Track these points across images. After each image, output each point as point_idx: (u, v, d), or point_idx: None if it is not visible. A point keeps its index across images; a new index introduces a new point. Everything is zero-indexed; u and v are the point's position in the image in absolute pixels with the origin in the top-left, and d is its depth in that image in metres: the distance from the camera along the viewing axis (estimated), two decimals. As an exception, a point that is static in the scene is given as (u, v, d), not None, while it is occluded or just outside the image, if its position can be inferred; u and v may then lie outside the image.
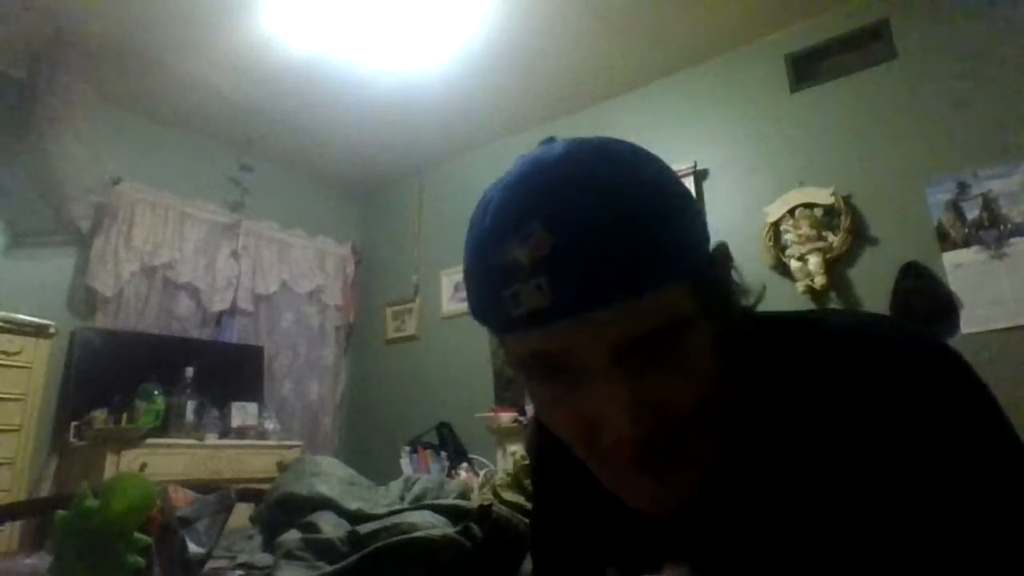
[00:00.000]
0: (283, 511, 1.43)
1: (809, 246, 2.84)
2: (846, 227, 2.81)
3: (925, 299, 2.51)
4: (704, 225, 0.48)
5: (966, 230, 2.58)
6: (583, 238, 0.42)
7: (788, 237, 2.92)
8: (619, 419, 0.43)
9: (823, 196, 2.88)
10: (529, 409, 3.22)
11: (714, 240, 0.50)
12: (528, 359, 0.47)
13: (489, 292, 0.46)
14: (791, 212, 2.94)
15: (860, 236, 2.82)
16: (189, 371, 3.29)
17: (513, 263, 0.44)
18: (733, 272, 0.52)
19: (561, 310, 0.43)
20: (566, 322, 0.43)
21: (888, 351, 0.48)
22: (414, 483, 1.58)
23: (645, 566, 0.56)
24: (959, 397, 0.45)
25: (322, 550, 1.24)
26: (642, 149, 0.49)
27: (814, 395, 0.48)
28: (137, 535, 0.92)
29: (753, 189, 3.12)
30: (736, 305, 0.52)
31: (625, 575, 0.59)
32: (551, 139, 0.51)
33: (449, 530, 1.24)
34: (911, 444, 0.44)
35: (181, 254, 3.76)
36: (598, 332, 0.43)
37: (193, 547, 1.08)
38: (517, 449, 2.98)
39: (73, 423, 3.04)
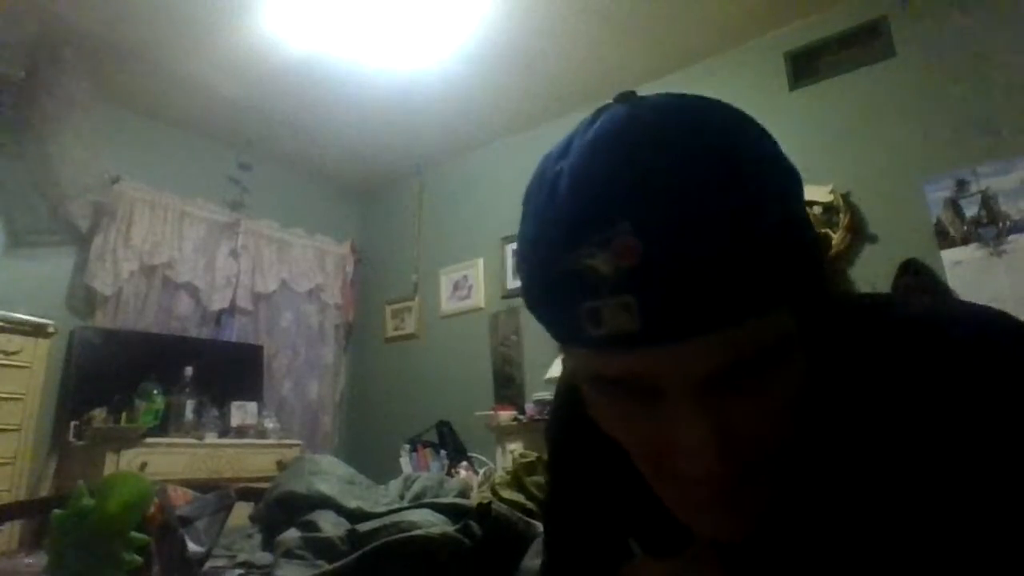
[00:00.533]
0: (283, 510, 1.43)
1: (808, 244, 2.83)
2: (845, 225, 2.81)
3: (924, 297, 2.51)
4: (807, 215, 0.41)
5: (965, 228, 2.58)
6: (682, 247, 0.34)
7: (787, 235, 2.91)
8: (704, 455, 0.37)
9: (822, 194, 2.88)
10: (529, 408, 3.22)
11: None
12: (600, 380, 0.41)
13: (559, 302, 0.39)
14: (790, 210, 2.94)
15: (859, 233, 2.82)
16: (188, 370, 3.29)
17: (592, 271, 0.36)
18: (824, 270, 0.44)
19: (653, 337, 0.36)
20: (656, 349, 0.36)
21: (958, 340, 0.42)
22: (414, 481, 1.58)
23: (667, 544, 0.52)
24: None
25: (322, 549, 1.24)
26: (746, 115, 0.41)
27: (880, 395, 0.43)
28: (136, 534, 0.92)
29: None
30: (828, 304, 0.46)
31: (647, 551, 0.56)
32: (629, 93, 0.42)
33: (449, 528, 1.24)
34: (982, 454, 0.39)
35: (180, 253, 3.76)
36: (691, 361, 0.37)
37: (193, 546, 1.08)
38: (516, 447, 2.98)
39: (72, 422, 3.04)
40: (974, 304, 0.46)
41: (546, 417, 0.76)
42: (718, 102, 0.41)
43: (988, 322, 0.43)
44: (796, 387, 0.40)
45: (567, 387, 0.64)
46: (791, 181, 0.40)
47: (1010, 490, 0.38)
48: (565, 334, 0.40)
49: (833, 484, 0.45)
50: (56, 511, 0.88)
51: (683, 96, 0.41)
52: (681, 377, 0.37)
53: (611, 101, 0.42)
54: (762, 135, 0.41)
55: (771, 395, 0.39)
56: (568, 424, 0.64)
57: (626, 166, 0.36)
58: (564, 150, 0.40)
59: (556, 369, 2.89)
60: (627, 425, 0.42)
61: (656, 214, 0.35)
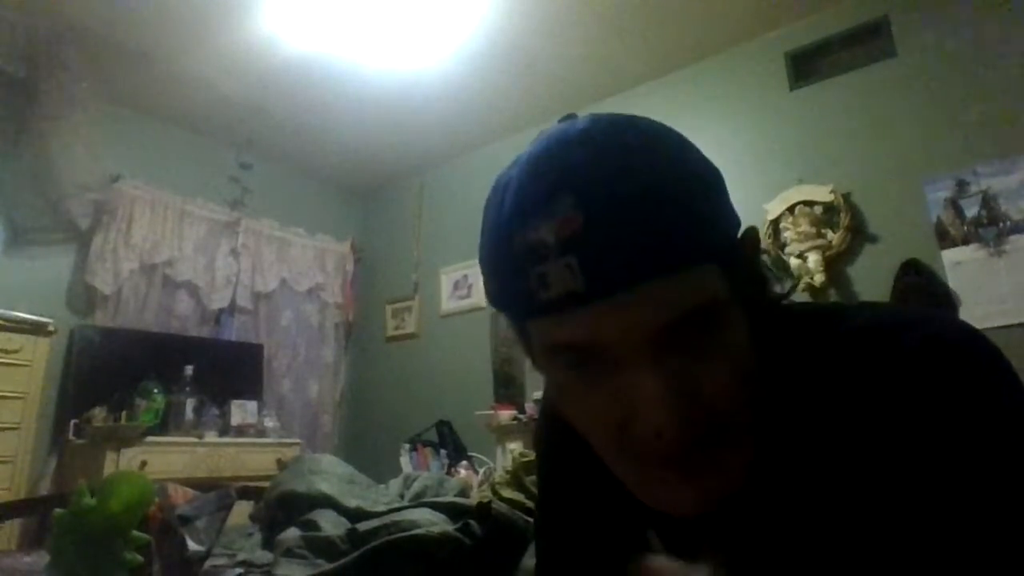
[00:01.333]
0: (283, 509, 1.43)
1: (808, 244, 2.84)
2: (845, 225, 2.81)
3: (924, 297, 2.51)
4: (731, 206, 0.46)
5: (965, 228, 2.58)
6: (616, 213, 0.40)
7: (787, 235, 2.92)
8: (656, 411, 0.40)
9: (822, 194, 2.88)
10: (529, 407, 3.22)
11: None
12: (556, 349, 0.44)
13: (513, 275, 0.43)
14: (790, 210, 2.94)
15: (859, 234, 2.82)
16: (188, 369, 3.29)
17: (539, 242, 0.41)
18: (763, 258, 0.50)
19: (596, 291, 0.40)
20: (600, 305, 0.40)
21: (901, 344, 0.45)
22: (413, 481, 1.58)
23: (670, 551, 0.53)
24: (974, 385, 0.42)
25: (321, 548, 1.24)
26: (665, 125, 0.47)
27: (833, 392, 0.46)
28: (136, 533, 0.92)
29: (752, 186, 3.12)
30: (766, 294, 0.50)
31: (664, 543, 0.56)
32: (571, 115, 0.49)
33: (448, 527, 1.24)
34: (928, 438, 0.41)
35: (180, 252, 3.76)
36: (634, 316, 0.40)
37: (193, 545, 1.08)
38: (516, 447, 2.98)
39: (73, 421, 3.04)
40: (924, 309, 0.49)
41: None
42: (643, 116, 0.47)
43: (937, 327, 0.46)
44: (740, 352, 0.44)
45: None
46: (709, 170, 0.46)
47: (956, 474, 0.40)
48: (521, 308, 0.44)
49: (789, 472, 0.47)
50: (58, 510, 0.89)
51: (613, 113, 0.48)
52: (628, 333, 0.41)
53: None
54: (682, 138, 0.47)
55: (717, 357, 0.42)
56: (553, 442, 0.65)
57: (563, 155, 0.43)
58: (513, 164, 0.47)
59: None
60: (587, 402, 0.45)
61: (591, 188, 0.40)
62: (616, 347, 0.41)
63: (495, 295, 0.47)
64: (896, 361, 0.44)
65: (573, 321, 0.41)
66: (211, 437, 3.24)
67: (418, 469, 3.04)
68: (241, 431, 3.45)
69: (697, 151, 0.46)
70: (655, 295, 0.40)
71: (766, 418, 0.47)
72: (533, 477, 1.51)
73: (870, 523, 0.43)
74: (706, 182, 0.44)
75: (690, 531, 0.52)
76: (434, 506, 1.36)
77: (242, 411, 3.53)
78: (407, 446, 3.38)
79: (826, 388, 0.46)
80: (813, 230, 2.85)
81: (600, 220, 0.39)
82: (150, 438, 2.97)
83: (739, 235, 0.47)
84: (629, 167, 0.41)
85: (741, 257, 0.46)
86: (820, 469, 0.46)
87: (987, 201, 2.55)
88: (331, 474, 1.53)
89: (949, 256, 2.58)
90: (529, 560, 1.18)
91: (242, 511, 1.61)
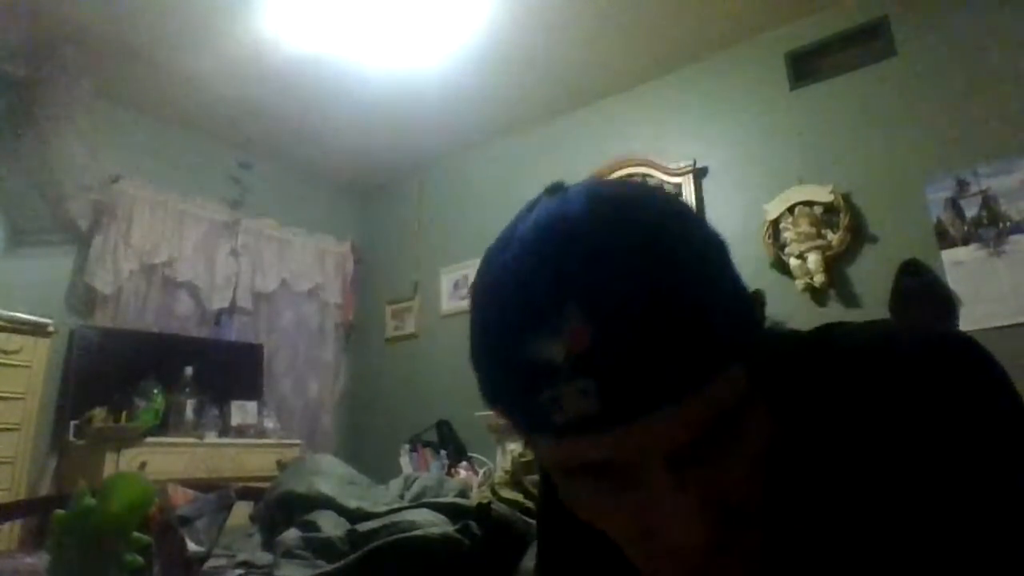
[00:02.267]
0: (283, 510, 1.43)
1: (808, 244, 2.84)
2: (845, 225, 2.81)
3: (924, 297, 2.51)
4: (739, 278, 0.42)
5: (965, 228, 2.58)
6: (630, 327, 0.35)
7: (787, 235, 2.92)
8: (682, 529, 0.38)
9: (822, 194, 2.88)
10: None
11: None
12: (568, 469, 0.41)
13: (518, 392, 0.39)
14: (790, 210, 2.94)
15: (859, 234, 2.82)
16: (188, 370, 3.29)
17: (548, 362, 0.36)
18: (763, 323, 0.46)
19: (615, 417, 0.36)
20: (619, 429, 0.36)
21: (901, 355, 0.44)
22: (413, 481, 1.58)
23: None
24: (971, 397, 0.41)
25: (322, 548, 1.24)
26: (670, 197, 0.43)
27: (842, 420, 0.44)
28: (137, 534, 0.92)
29: (752, 187, 3.12)
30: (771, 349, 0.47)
31: None
32: (559, 186, 0.43)
33: (448, 528, 1.25)
34: (944, 446, 0.40)
35: (180, 252, 3.76)
36: (656, 438, 0.37)
37: (193, 546, 1.08)
38: (516, 447, 2.98)
39: (72, 422, 3.04)
40: (913, 323, 0.49)
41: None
42: (641, 184, 0.45)
43: (931, 336, 0.45)
44: (763, 441, 0.41)
45: None
46: (721, 250, 0.42)
47: (980, 487, 0.39)
48: (529, 425, 0.40)
49: (814, 523, 0.45)
50: (58, 511, 0.89)
51: (608, 182, 0.45)
52: (651, 453, 0.37)
53: (542, 194, 0.44)
54: (685, 210, 0.42)
55: (743, 455, 0.39)
56: (553, 506, 0.62)
57: (566, 253, 0.37)
58: (505, 244, 0.41)
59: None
60: (604, 514, 0.42)
61: (601, 295, 0.36)
62: (634, 464, 0.38)
63: (494, 400, 0.43)
64: (900, 373, 0.43)
65: (588, 444, 0.38)
66: (211, 438, 3.24)
67: (418, 470, 3.04)
68: (241, 432, 3.45)
69: (702, 228, 0.42)
70: (680, 414, 0.36)
71: (782, 480, 0.44)
72: (532, 477, 1.51)
73: (910, 542, 0.41)
74: (723, 263, 0.41)
75: None
76: (434, 507, 1.36)
77: (242, 411, 3.53)
78: (407, 447, 3.38)
79: (835, 418, 0.44)
80: (813, 230, 2.85)
81: (614, 336, 0.35)
82: (150, 439, 2.97)
83: (750, 303, 0.43)
84: (640, 267, 0.36)
85: (760, 341, 0.42)
86: (843, 499, 0.44)
87: (987, 201, 2.55)
88: (331, 475, 1.53)
89: (949, 256, 2.58)
90: (529, 561, 1.18)
91: (242, 512, 1.61)
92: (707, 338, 0.36)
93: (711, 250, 0.41)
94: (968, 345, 0.44)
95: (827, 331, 0.50)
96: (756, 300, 0.43)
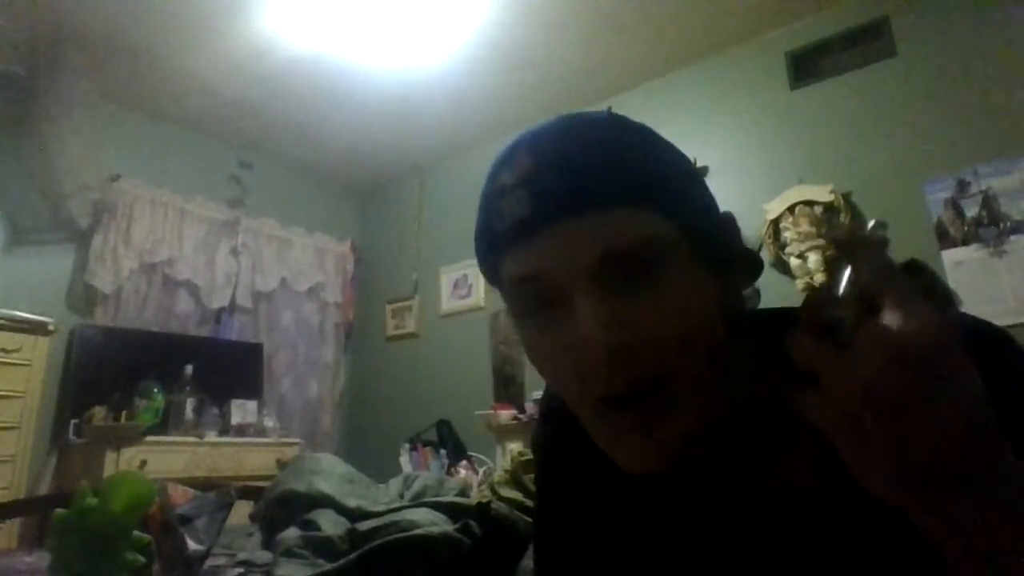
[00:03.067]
0: (283, 509, 1.43)
1: (809, 243, 2.84)
2: (844, 226, 2.81)
3: (924, 297, 2.51)
4: (700, 185, 0.50)
5: (965, 228, 2.58)
6: (563, 156, 0.46)
7: (787, 235, 2.92)
8: (593, 332, 0.43)
9: (823, 194, 2.88)
10: (529, 407, 3.22)
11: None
12: (517, 288, 0.48)
13: (483, 221, 0.50)
14: (791, 209, 2.94)
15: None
16: (188, 369, 3.29)
17: (501, 187, 0.48)
18: (743, 243, 0.52)
19: (540, 218, 0.45)
20: (545, 232, 0.45)
21: None
22: (413, 481, 1.58)
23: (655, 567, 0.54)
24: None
25: (321, 548, 1.24)
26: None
27: None
28: (137, 533, 0.92)
29: (753, 186, 3.12)
30: (745, 276, 0.52)
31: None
32: None
33: (448, 527, 1.25)
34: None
35: (180, 251, 3.76)
36: (573, 246, 0.44)
37: (193, 545, 1.08)
38: (516, 446, 2.98)
39: (72, 420, 3.04)
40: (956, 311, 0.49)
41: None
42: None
43: (973, 328, 0.46)
44: (691, 295, 0.45)
45: (551, 398, 0.66)
46: (670, 149, 0.50)
47: None
48: (490, 247, 0.49)
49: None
50: (59, 510, 0.89)
51: None
52: (570, 263, 0.44)
53: None
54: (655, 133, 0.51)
55: (657, 300, 0.44)
56: (553, 445, 0.65)
57: (530, 130, 0.50)
58: None
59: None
60: (550, 345, 0.47)
61: (545, 143, 0.48)
62: (564, 278, 0.45)
63: (477, 251, 0.52)
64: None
65: (524, 252, 0.46)
66: (211, 437, 3.24)
67: (418, 469, 3.04)
68: (241, 431, 3.45)
69: (666, 142, 0.51)
70: (593, 227, 0.44)
71: (734, 391, 0.48)
72: (532, 476, 1.51)
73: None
74: (659, 146, 0.49)
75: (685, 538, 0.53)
76: (434, 506, 1.36)
77: (242, 411, 3.53)
78: (407, 446, 3.37)
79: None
80: (813, 230, 2.85)
81: (549, 163, 0.46)
82: (150, 438, 2.97)
83: (711, 208, 0.51)
84: (583, 132, 0.48)
85: (704, 220, 0.49)
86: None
87: (987, 201, 2.55)
88: (331, 474, 1.53)
89: (949, 256, 2.58)
90: (529, 561, 1.18)
91: (242, 511, 1.61)
92: (623, 175, 0.45)
93: (658, 143, 0.50)
94: (1004, 331, 0.48)
95: None
96: (723, 215, 0.52)
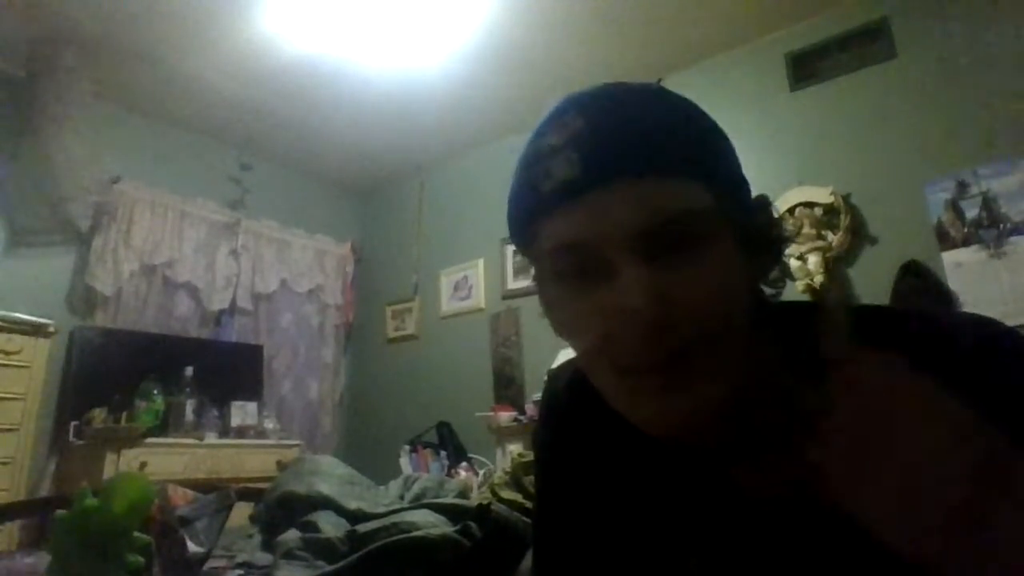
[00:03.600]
0: (282, 510, 1.43)
1: (809, 245, 2.84)
2: (845, 226, 2.81)
3: (924, 299, 2.51)
4: (737, 164, 0.52)
5: (966, 229, 2.58)
6: (615, 120, 0.46)
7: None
8: (636, 300, 0.44)
9: (822, 195, 2.88)
10: (529, 408, 3.22)
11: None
12: (557, 254, 0.48)
13: (525, 183, 0.50)
14: (791, 211, 2.94)
15: (859, 235, 2.82)
16: (188, 370, 3.29)
17: (548, 148, 0.48)
18: (777, 228, 0.54)
19: (589, 180, 0.45)
20: (594, 194, 0.45)
21: (961, 344, 0.46)
22: (413, 482, 1.58)
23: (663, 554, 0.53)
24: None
25: (321, 549, 1.24)
26: None
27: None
28: (137, 534, 0.92)
29: (752, 188, 3.11)
30: (772, 261, 0.54)
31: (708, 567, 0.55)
32: None
33: (448, 529, 1.25)
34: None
35: (180, 253, 3.76)
36: (622, 211, 0.44)
37: (192, 546, 1.08)
38: (516, 448, 2.98)
39: (72, 422, 3.04)
40: (966, 314, 0.50)
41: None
42: None
43: (987, 330, 0.47)
44: (727, 270, 0.47)
45: (553, 393, 0.66)
46: (715, 125, 0.51)
47: None
48: (531, 208, 0.49)
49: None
50: (60, 512, 0.89)
51: None
52: (617, 228, 0.45)
53: None
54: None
55: (699, 270, 0.45)
56: (557, 427, 0.65)
57: (579, 93, 0.50)
58: None
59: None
60: (581, 308, 0.48)
61: (597, 104, 0.48)
62: (607, 247, 0.45)
63: (512, 215, 0.52)
64: (960, 361, 0.44)
65: (569, 213, 0.46)
66: (211, 438, 3.24)
67: (418, 470, 3.04)
68: (241, 432, 3.45)
69: (713, 120, 0.51)
70: (642, 193, 0.45)
71: (760, 366, 0.49)
72: (532, 478, 1.51)
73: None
74: (706, 126, 0.50)
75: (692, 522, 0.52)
76: (434, 508, 1.36)
77: (242, 412, 3.53)
78: (407, 447, 3.37)
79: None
80: (813, 231, 2.85)
81: (601, 125, 0.46)
82: (150, 439, 2.96)
83: (746, 187, 0.53)
84: (634, 99, 0.49)
85: (742, 202, 0.51)
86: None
87: (987, 203, 2.55)
88: (331, 475, 1.53)
89: (949, 258, 2.58)
90: (529, 561, 1.18)
91: (242, 512, 1.61)
92: (676, 145, 0.46)
93: (705, 118, 0.50)
94: (1011, 332, 0.48)
95: (889, 311, 0.54)
96: (758, 197, 0.54)
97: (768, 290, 0.55)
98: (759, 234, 0.52)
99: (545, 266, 0.51)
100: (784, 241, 0.55)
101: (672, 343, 0.44)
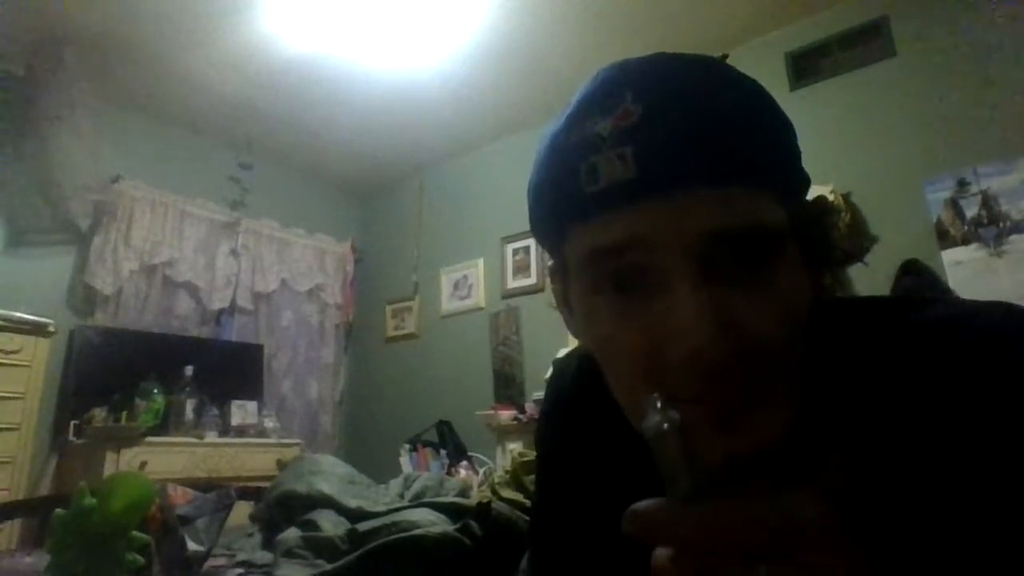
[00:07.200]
0: (283, 509, 1.43)
1: (808, 244, 2.84)
2: (845, 225, 2.80)
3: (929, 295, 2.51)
4: (800, 158, 0.44)
5: (965, 228, 2.58)
6: (678, 110, 0.38)
7: (787, 235, 2.92)
8: (696, 328, 0.36)
9: (823, 194, 2.88)
10: (529, 407, 3.22)
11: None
12: (596, 259, 0.40)
13: (562, 173, 0.40)
14: (790, 210, 2.94)
15: (859, 234, 2.82)
16: (189, 369, 3.29)
17: (594, 136, 0.39)
18: (836, 232, 0.47)
19: (649, 184, 0.37)
20: (651, 201, 0.37)
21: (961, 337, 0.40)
22: (414, 481, 1.58)
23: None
24: None
25: (321, 548, 1.24)
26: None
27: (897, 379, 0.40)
28: (136, 533, 0.92)
29: (752, 187, 3.12)
30: (836, 263, 0.48)
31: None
32: None
33: (448, 528, 1.25)
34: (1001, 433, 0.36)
35: (181, 252, 3.76)
36: (686, 218, 0.37)
37: (193, 545, 1.08)
38: (516, 447, 2.98)
39: (73, 421, 3.04)
40: (983, 302, 0.44)
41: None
42: None
43: (1006, 318, 0.41)
44: (795, 289, 0.40)
45: (559, 386, 0.65)
46: (781, 112, 0.44)
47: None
48: (568, 208, 0.41)
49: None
50: (59, 511, 0.88)
51: None
52: (678, 237, 0.37)
53: None
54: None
55: (767, 294, 0.38)
56: (560, 424, 0.64)
57: (629, 63, 0.42)
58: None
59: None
60: (621, 327, 0.40)
61: (656, 86, 0.39)
62: (663, 255, 0.37)
63: (537, 205, 0.44)
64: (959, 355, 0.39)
65: (620, 219, 0.38)
66: (211, 437, 3.24)
67: (418, 469, 3.04)
68: (241, 431, 3.45)
69: (784, 114, 0.44)
70: (705, 200, 0.37)
71: (816, 385, 0.42)
72: (533, 476, 1.51)
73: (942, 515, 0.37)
74: (779, 118, 0.43)
75: None
76: (434, 506, 1.36)
77: (242, 411, 3.53)
78: (407, 446, 3.37)
79: (892, 375, 0.41)
80: (813, 230, 2.85)
81: (660, 115, 0.38)
82: (150, 438, 2.97)
83: (807, 196, 0.45)
84: (702, 85, 0.40)
85: (805, 208, 0.43)
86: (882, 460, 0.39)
87: (987, 201, 2.55)
88: (331, 474, 1.53)
89: (949, 256, 2.58)
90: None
91: (242, 511, 1.61)
92: (747, 147, 0.38)
93: (773, 103, 0.43)
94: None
95: (913, 298, 0.47)
96: (817, 198, 0.46)
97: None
98: (822, 248, 0.45)
99: (578, 270, 0.43)
100: (851, 258, 0.48)
101: (733, 381, 0.37)
